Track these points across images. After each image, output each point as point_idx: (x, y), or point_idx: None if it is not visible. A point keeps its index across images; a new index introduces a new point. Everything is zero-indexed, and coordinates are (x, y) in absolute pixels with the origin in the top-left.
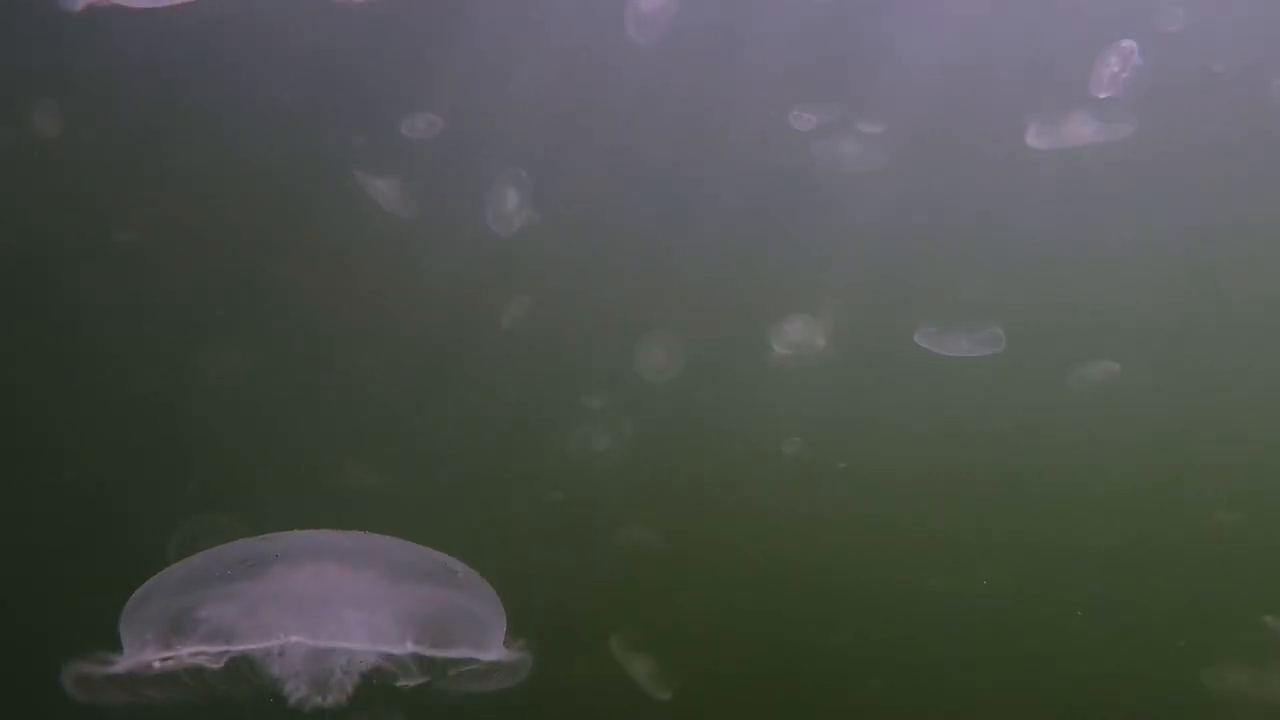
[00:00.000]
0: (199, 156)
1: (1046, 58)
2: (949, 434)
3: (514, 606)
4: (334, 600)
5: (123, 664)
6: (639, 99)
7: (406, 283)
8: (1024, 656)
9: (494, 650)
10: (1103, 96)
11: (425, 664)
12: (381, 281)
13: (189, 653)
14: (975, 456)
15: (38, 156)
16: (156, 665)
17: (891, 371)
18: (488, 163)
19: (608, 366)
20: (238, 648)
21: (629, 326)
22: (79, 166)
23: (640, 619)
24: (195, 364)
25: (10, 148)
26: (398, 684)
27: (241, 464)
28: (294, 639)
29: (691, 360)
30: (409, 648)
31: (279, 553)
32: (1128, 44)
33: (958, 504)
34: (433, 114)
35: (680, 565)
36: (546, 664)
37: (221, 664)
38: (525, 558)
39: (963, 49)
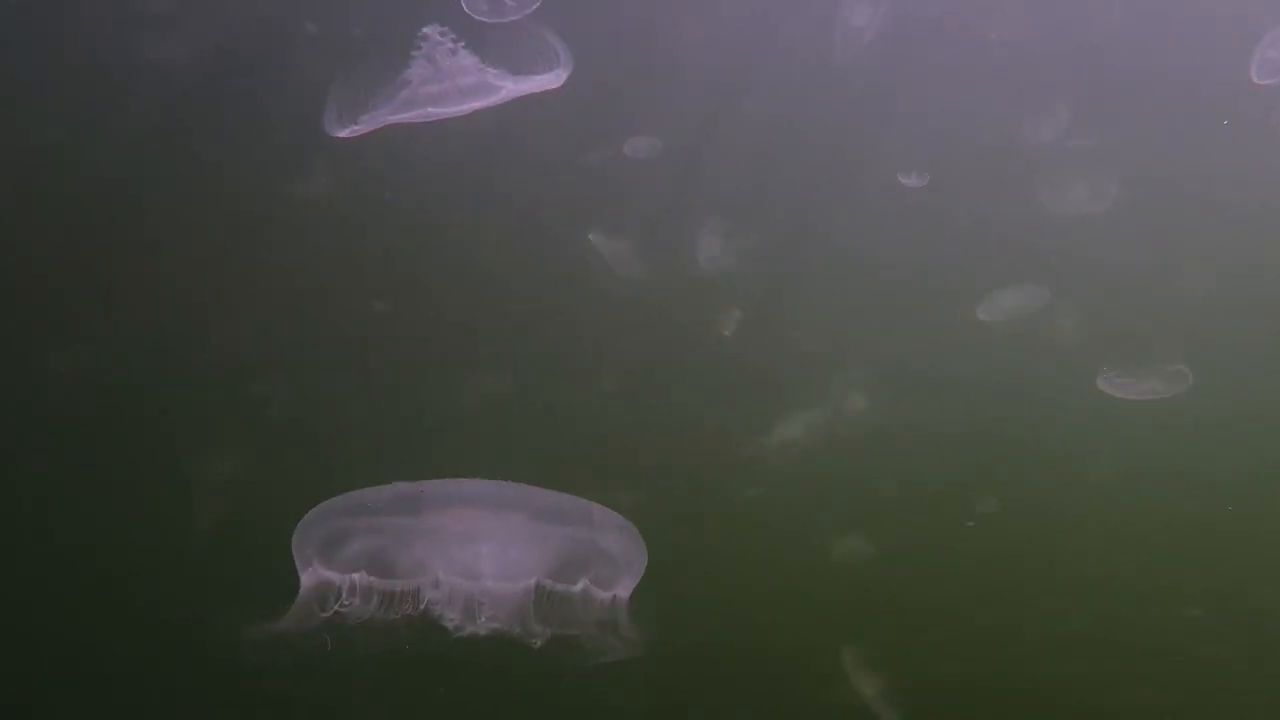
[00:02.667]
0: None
1: None
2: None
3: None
4: (481, 538)
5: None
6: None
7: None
8: None
9: (626, 588)
10: None
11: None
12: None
13: (347, 575)
14: None
15: None
16: (319, 581)
17: None
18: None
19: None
20: (391, 577)
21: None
22: None
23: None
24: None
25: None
26: (542, 622)
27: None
28: (443, 570)
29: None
30: (552, 585)
31: (433, 495)
32: None
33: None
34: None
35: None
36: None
37: (377, 590)
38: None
39: None
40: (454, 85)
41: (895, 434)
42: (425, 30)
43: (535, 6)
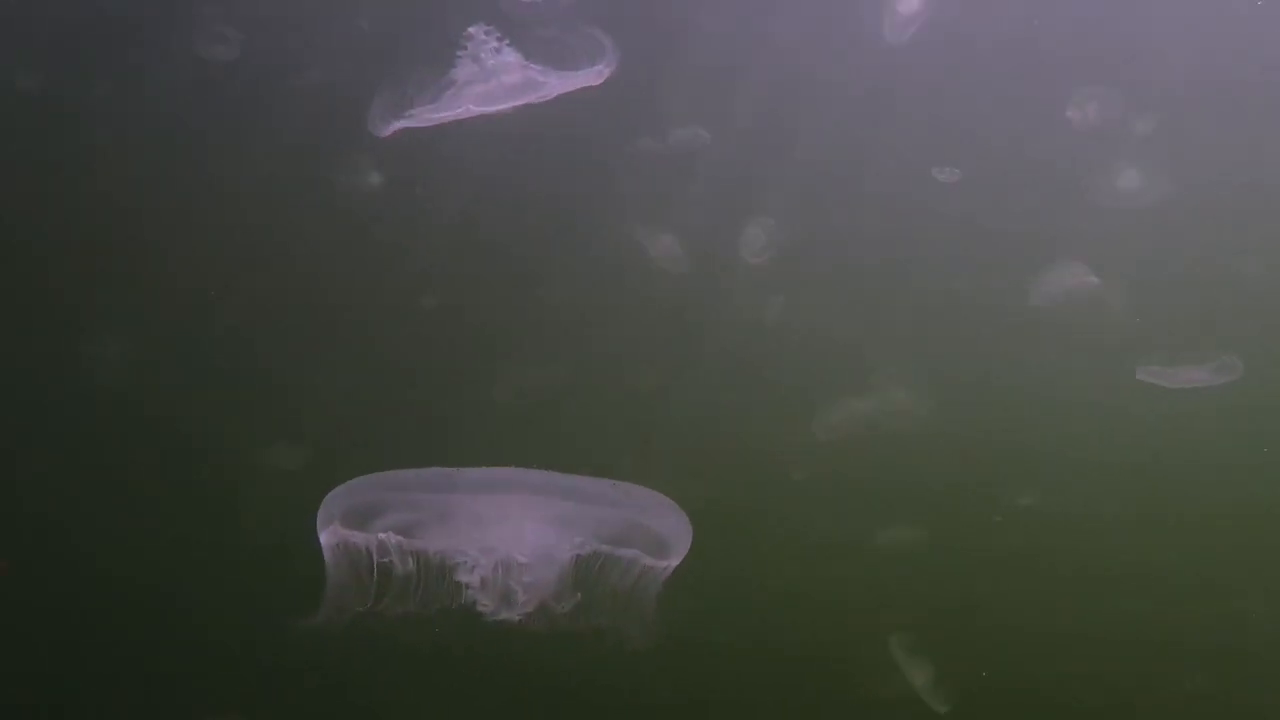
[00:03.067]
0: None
1: None
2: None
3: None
4: (515, 519)
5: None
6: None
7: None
8: None
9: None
10: None
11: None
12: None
13: (381, 545)
14: None
15: None
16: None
17: None
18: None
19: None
20: (425, 546)
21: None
22: None
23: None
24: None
25: None
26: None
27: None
28: (478, 551)
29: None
30: (588, 568)
31: (469, 478)
32: None
33: None
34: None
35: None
36: None
37: (410, 564)
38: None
39: None
40: (499, 83)
41: (939, 425)
42: (470, 29)
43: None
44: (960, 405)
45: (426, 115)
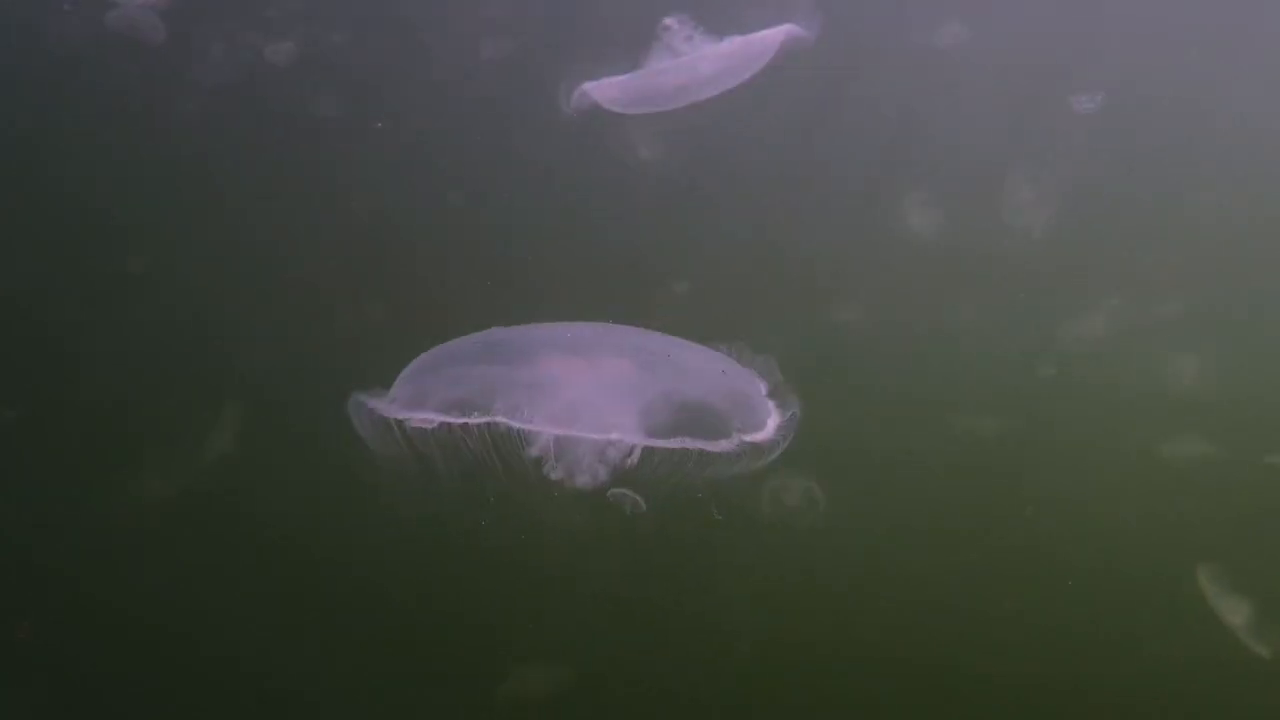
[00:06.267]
0: None
1: None
2: None
3: None
4: (589, 389)
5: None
6: None
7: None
8: None
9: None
10: None
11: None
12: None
13: (447, 420)
14: None
15: None
16: (423, 425)
17: None
18: None
19: None
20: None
21: None
22: None
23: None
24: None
25: None
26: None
27: None
28: (546, 421)
29: None
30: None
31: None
32: None
33: None
34: None
35: None
36: None
37: (476, 434)
38: None
39: None
40: (698, 73)
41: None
42: (666, 21)
43: None
44: None
45: (626, 107)
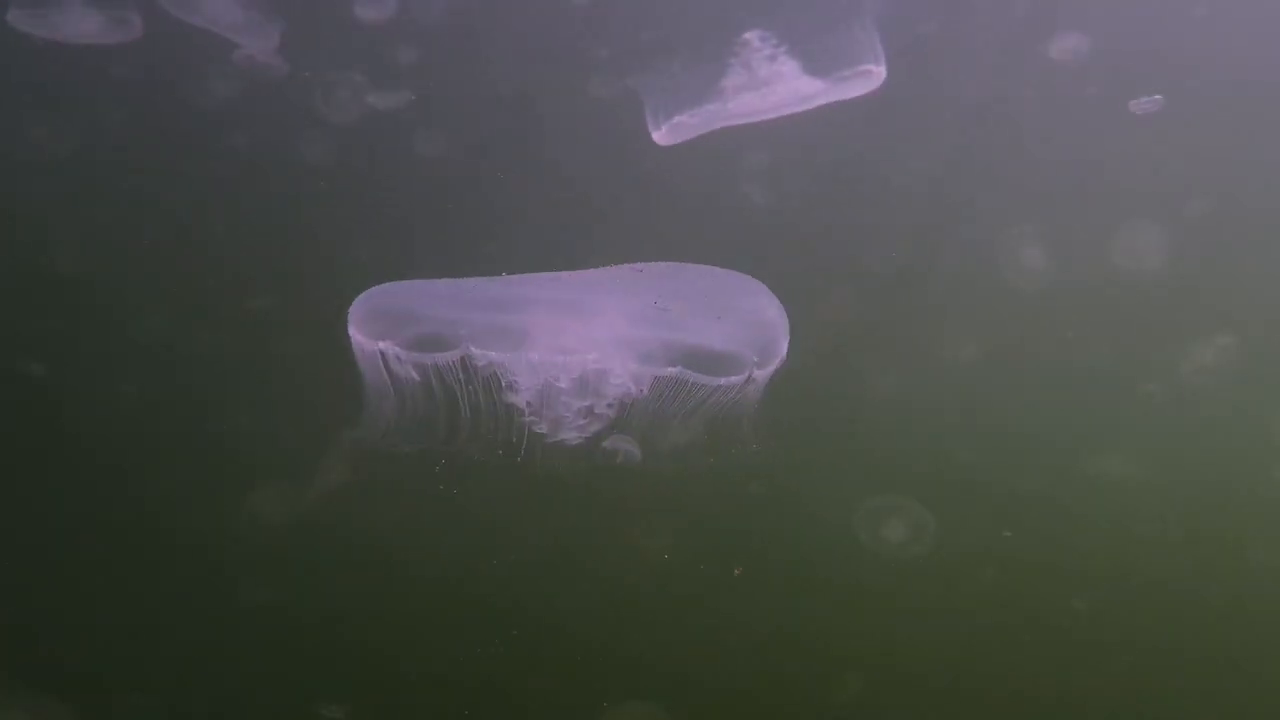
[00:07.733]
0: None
1: None
2: None
3: None
4: (580, 332)
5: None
6: None
7: None
8: None
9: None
10: None
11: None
12: None
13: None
14: None
15: None
16: (401, 356)
17: None
18: None
19: None
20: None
21: None
22: None
23: None
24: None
25: None
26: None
27: None
28: (535, 358)
29: None
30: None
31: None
32: None
33: None
34: None
35: None
36: None
37: (462, 373)
38: None
39: None
40: (771, 93)
41: None
42: (746, 35)
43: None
44: None
45: (699, 124)
